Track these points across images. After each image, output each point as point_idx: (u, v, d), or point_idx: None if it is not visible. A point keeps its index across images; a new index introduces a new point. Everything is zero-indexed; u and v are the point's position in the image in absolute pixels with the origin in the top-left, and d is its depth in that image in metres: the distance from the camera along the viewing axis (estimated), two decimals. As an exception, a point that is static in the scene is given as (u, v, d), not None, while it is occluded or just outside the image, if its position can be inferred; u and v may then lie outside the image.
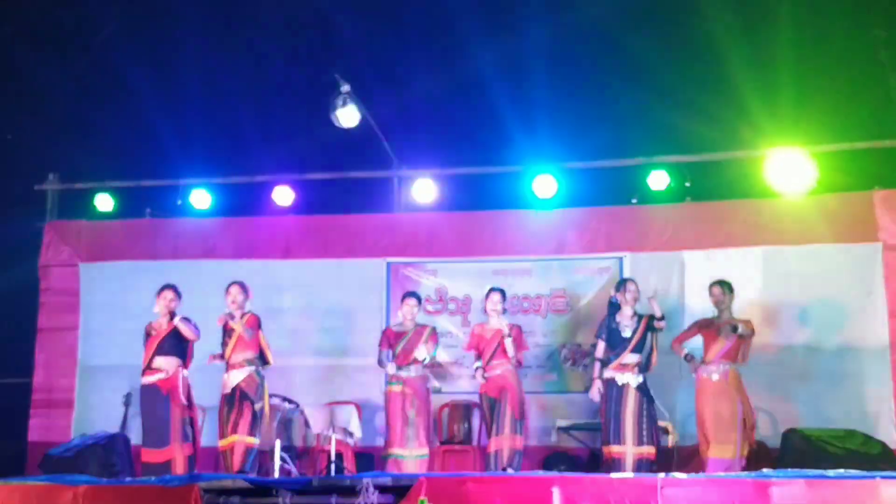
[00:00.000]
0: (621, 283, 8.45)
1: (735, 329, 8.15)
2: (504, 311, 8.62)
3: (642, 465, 7.93)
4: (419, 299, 8.75)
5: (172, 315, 8.08)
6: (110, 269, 10.16)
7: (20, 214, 10.52)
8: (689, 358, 8.31)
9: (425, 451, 8.47)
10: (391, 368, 8.46)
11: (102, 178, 10.59)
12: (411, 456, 8.34)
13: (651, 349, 8.23)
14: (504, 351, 8.37)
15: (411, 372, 8.47)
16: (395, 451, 8.35)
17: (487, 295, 8.59)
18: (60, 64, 10.96)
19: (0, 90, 10.87)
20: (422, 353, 8.49)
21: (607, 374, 8.19)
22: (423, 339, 8.51)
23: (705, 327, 8.31)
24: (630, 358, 8.17)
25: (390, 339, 8.58)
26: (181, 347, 8.17)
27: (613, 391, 8.13)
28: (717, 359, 8.17)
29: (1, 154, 10.99)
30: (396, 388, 8.46)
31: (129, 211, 10.59)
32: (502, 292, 8.62)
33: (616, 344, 8.23)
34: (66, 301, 10.17)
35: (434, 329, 8.68)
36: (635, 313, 8.30)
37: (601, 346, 8.32)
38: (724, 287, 8.31)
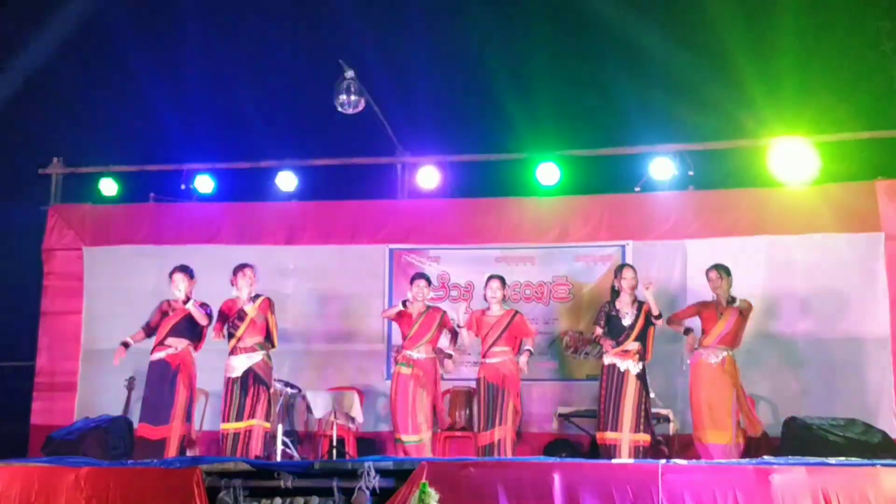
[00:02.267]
0: (619, 270, 8.44)
1: (733, 301, 8.20)
2: (504, 298, 8.59)
3: (637, 452, 7.95)
4: (428, 280, 8.58)
5: (188, 299, 8.11)
6: (114, 254, 10.16)
7: (24, 198, 10.55)
8: (687, 331, 8.33)
9: (429, 434, 8.37)
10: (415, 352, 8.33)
11: (106, 163, 10.59)
12: (417, 440, 8.23)
13: (648, 340, 8.24)
14: (507, 339, 8.35)
15: (422, 354, 8.39)
16: (402, 435, 8.24)
17: (487, 282, 8.56)
18: (64, 48, 10.97)
19: (4, 75, 10.89)
20: (444, 342, 8.49)
21: (608, 359, 8.20)
22: (436, 324, 8.42)
23: (704, 309, 8.33)
24: (632, 345, 8.17)
25: (404, 320, 8.45)
26: (195, 332, 8.24)
27: (614, 377, 8.12)
28: (714, 343, 8.19)
29: (5, 138, 11.00)
30: (406, 369, 8.31)
31: (133, 195, 10.60)
32: (502, 279, 8.57)
33: (617, 332, 8.23)
34: (69, 285, 10.17)
35: (445, 313, 8.51)
36: (635, 300, 8.29)
37: (599, 332, 8.33)
38: (720, 271, 8.31)
